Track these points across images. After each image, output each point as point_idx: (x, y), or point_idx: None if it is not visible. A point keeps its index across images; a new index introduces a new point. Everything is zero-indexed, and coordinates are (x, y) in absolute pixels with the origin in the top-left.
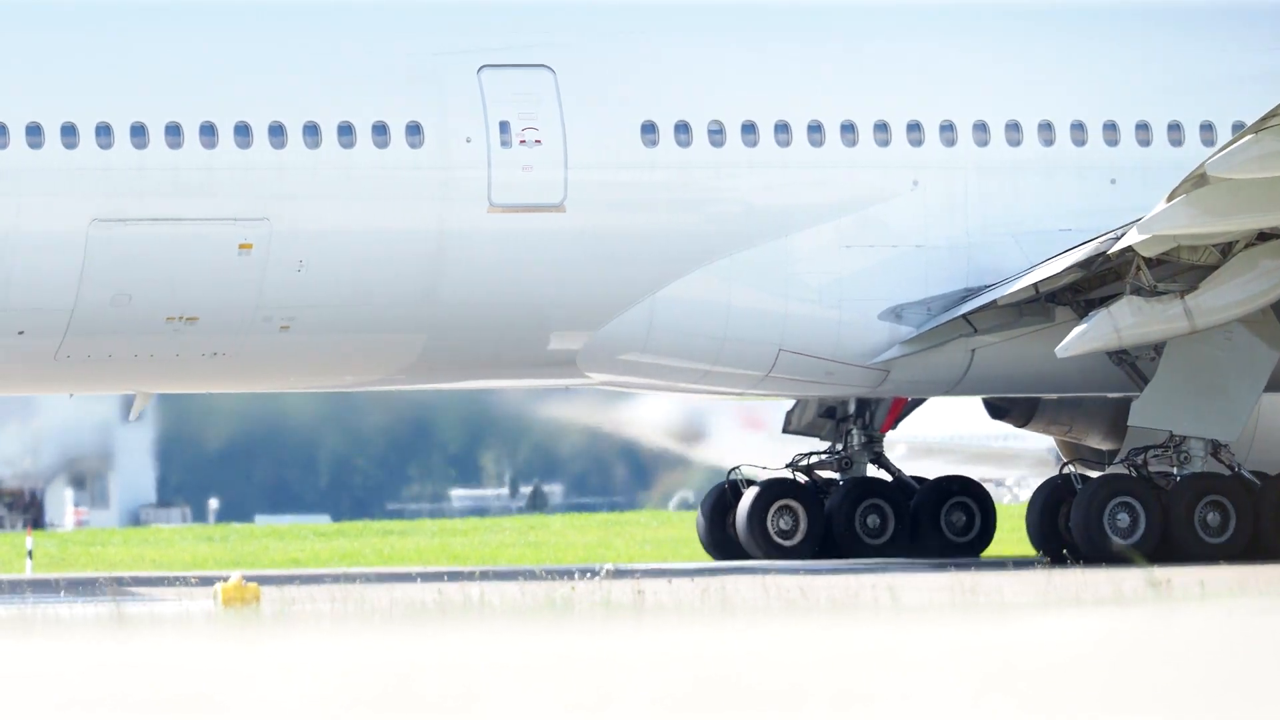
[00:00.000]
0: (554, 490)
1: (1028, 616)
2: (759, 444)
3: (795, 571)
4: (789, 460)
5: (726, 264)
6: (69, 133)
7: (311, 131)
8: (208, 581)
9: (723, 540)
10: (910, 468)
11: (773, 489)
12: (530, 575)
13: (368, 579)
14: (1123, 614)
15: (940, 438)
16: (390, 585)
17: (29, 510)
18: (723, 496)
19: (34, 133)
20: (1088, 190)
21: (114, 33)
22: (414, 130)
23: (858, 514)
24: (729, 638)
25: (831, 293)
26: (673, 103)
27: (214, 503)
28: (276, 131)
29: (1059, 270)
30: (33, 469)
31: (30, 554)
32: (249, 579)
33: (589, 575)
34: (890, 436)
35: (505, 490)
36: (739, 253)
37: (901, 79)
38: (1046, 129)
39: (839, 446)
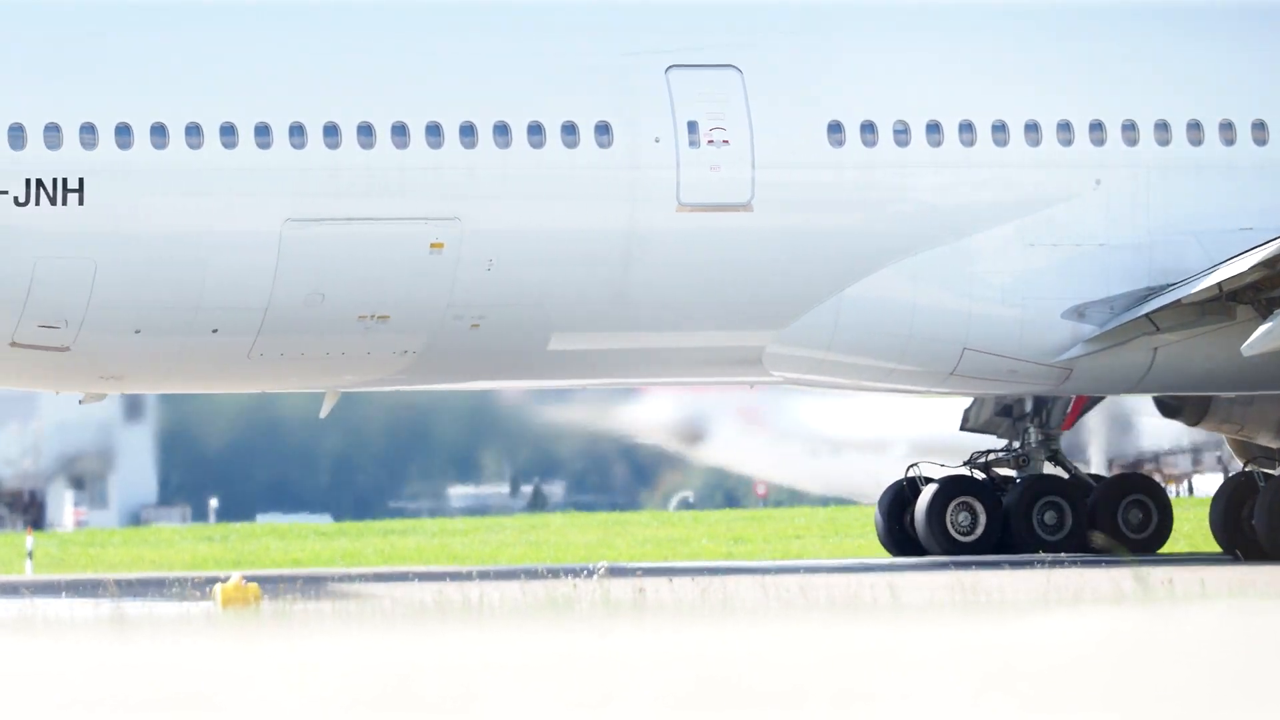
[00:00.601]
0: (554, 490)
1: (1028, 616)
2: (760, 444)
3: (797, 570)
4: (967, 458)
5: (911, 263)
6: (262, 133)
7: (502, 131)
8: (209, 582)
9: (900, 537)
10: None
11: (951, 486)
12: (531, 575)
13: (368, 579)
14: (1123, 614)
15: (940, 437)
16: (390, 585)
17: (29, 510)
18: (900, 493)
19: (228, 133)
20: (1269, 189)
21: (306, 33)
22: (603, 130)
23: (1035, 511)
24: (729, 638)
25: (1015, 291)
26: (858, 102)
27: (214, 502)
28: (467, 131)
29: (1244, 269)
30: (33, 469)
31: (30, 554)
32: (249, 579)
33: (587, 574)
34: (892, 436)
35: (506, 489)
36: (923, 252)
37: (1083, 79)
38: (1227, 128)
39: (1016, 444)
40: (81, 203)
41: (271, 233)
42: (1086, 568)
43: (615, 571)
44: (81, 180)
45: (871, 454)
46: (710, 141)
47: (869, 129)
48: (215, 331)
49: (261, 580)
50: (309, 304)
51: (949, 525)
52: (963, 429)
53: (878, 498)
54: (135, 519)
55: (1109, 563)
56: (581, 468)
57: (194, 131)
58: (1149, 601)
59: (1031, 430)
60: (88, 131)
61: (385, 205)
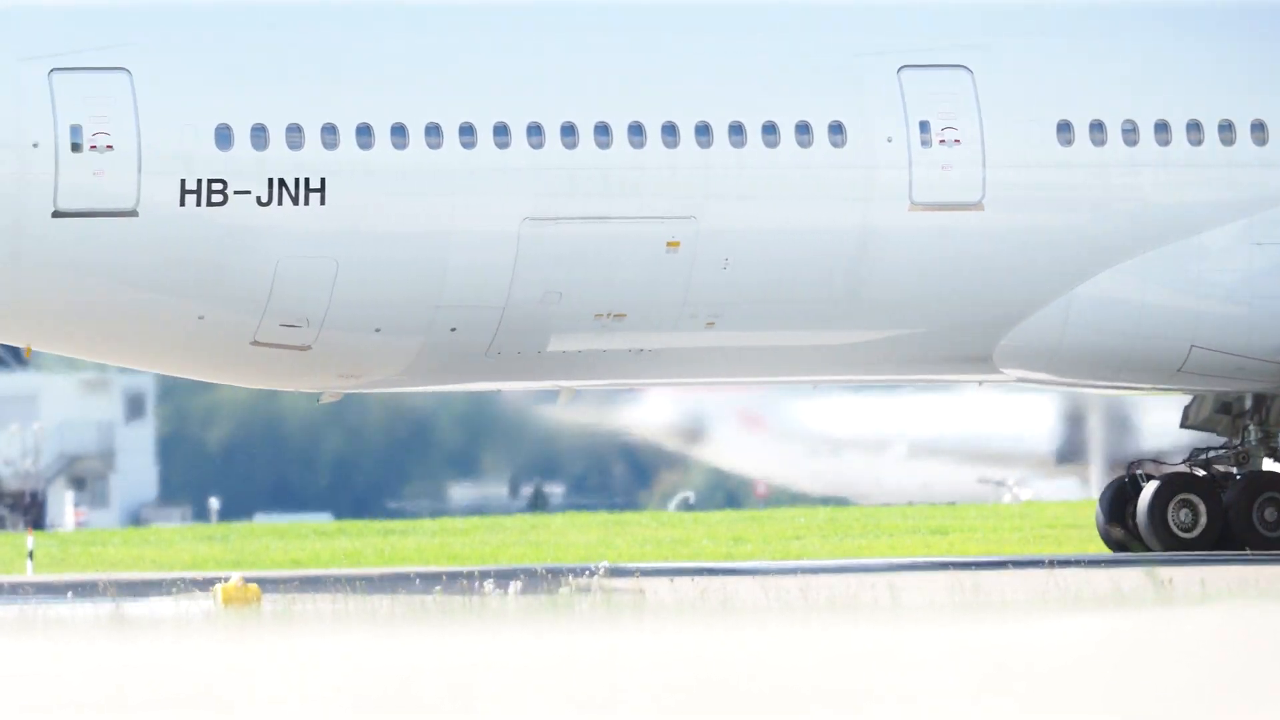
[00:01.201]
0: (554, 490)
1: (1028, 616)
2: (760, 444)
3: (804, 572)
4: (1188, 455)
5: (1139, 262)
6: (501, 133)
7: (737, 131)
8: (209, 582)
9: (1121, 533)
10: (910, 467)
11: (1172, 483)
12: (530, 575)
13: (368, 579)
14: (1123, 614)
15: (940, 437)
16: (390, 585)
17: (29, 510)
18: (1122, 490)
19: (467, 133)
20: None
21: (543, 34)
22: (836, 130)
23: (1255, 507)
24: (729, 638)
25: (1242, 289)
26: (1087, 102)
27: (214, 502)
28: (703, 131)
29: None
30: (33, 469)
31: (31, 554)
32: (249, 579)
33: (587, 574)
34: (892, 436)
35: (506, 489)
36: (1152, 250)
37: None
38: None
39: (1236, 441)
40: (323, 202)
41: (510, 232)
42: (1089, 568)
43: (615, 572)
44: (323, 180)
45: (871, 454)
46: (942, 141)
47: (1098, 128)
48: (454, 330)
49: (261, 580)
50: (546, 302)
51: (1170, 522)
52: (1183, 426)
53: (1098, 495)
54: (135, 519)
55: (1123, 562)
56: (581, 468)
57: (433, 132)
58: (1148, 602)
59: (1251, 427)
60: (329, 132)
61: (622, 204)
